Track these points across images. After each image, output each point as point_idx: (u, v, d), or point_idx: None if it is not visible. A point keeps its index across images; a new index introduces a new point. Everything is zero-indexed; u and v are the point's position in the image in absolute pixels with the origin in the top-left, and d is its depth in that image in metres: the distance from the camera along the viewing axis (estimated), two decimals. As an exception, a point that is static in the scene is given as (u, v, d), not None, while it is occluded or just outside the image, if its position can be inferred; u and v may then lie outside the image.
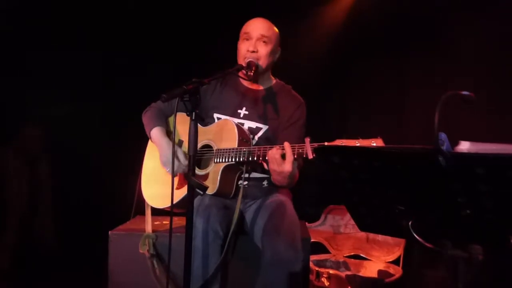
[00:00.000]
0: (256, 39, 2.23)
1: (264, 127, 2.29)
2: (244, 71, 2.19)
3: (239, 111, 2.30)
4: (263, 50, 2.23)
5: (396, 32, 3.56)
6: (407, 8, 3.48)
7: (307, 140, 1.90)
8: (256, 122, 2.29)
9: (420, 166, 1.20)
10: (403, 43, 3.55)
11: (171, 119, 2.39)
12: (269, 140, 2.28)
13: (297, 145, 1.96)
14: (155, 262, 2.21)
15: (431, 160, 1.14)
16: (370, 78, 3.83)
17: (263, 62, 2.24)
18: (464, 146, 1.16)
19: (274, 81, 2.41)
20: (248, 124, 2.29)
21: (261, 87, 2.37)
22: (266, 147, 2.05)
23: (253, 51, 2.21)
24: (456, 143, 1.17)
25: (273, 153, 1.98)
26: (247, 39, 2.24)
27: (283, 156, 1.97)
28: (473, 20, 3.18)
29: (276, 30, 2.31)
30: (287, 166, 1.95)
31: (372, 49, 3.70)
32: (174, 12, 3.74)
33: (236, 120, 2.28)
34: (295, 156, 1.95)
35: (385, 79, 3.80)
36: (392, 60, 3.71)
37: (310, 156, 1.89)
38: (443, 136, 1.14)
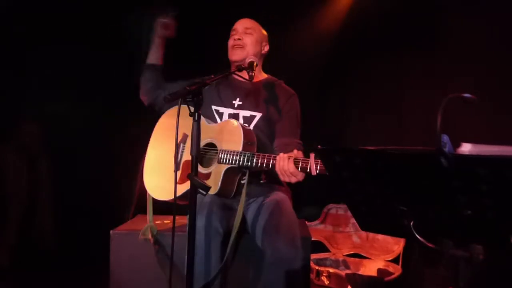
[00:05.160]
0: (241, 32, 2.44)
1: (258, 114, 2.36)
2: (246, 72, 2.25)
3: (233, 102, 2.41)
4: (248, 39, 2.43)
5: (396, 32, 3.56)
6: (406, 8, 3.48)
7: (312, 155, 1.89)
8: (250, 110, 2.38)
9: (423, 168, 1.21)
10: (402, 43, 3.55)
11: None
12: (265, 128, 2.34)
13: (301, 159, 1.96)
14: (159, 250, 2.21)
15: (434, 162, 1.15)
16: (370, 78, 3.83)
17: (249, 49, 2.40)
18: (466, 148, 1.17)
19: (265, 76, 2.54)
20: (242, 113, 2.37)
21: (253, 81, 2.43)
22: (271, 156, 2.05)
23: (238, 39, 2.41)
24: (458, 145, 1.19)
25: (283, 166, 1.97)
26: (234, 34, 2.45)
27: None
28: (473, 20, 3.18)
29: (263, 30, 2.51)
30: (299, 176, 1.97)
31: (372, 49, 3.70)
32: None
33: (232, 111, 2.37)
34: (299, 170, 1.95)
35: (385, 79, 3.80)
36: (391, 60, 3.71)
37: (314, 173, 1.89)
38: (445, 138, 1.15)
